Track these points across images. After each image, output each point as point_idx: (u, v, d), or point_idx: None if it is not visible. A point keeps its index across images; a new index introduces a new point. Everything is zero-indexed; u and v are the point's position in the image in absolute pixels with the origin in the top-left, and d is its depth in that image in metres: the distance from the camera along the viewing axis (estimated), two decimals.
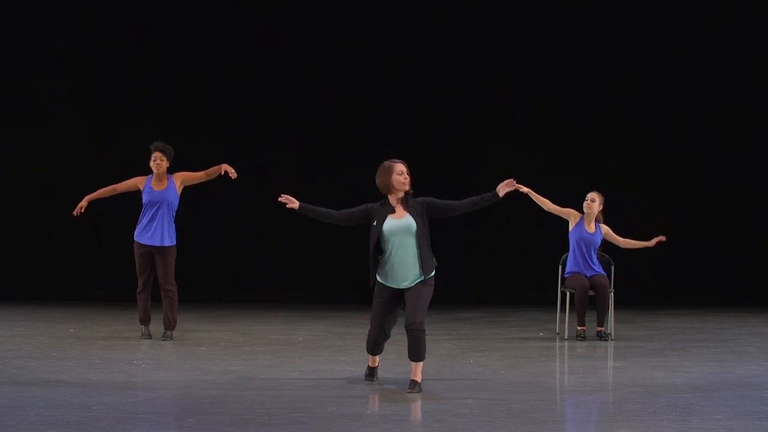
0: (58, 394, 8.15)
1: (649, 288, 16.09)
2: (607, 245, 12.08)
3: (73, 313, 13.99)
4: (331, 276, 15.95)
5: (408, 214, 8.55)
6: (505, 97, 16.12)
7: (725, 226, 16.21)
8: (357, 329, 12.68)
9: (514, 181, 8.73)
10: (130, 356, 10.23)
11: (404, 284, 8.58)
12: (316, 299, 15.67)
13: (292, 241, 16.07)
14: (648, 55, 16.09)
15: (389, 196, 8.60)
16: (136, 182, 11.48)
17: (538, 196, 11.83)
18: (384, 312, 8.69)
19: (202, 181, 11.54)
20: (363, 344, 11.36)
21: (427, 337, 8.67)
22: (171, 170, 11.53)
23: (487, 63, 16.15)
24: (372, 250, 8.56)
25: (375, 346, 8.88)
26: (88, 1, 16.11)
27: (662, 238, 12.03)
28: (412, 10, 16.13)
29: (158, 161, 11.35)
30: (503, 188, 8.66)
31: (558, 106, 16.16)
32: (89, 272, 15.83)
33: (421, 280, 8.58)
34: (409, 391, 8.44)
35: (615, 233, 12.02)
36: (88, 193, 11.50)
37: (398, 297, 8.66)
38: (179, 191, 11.41)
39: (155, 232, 11.32)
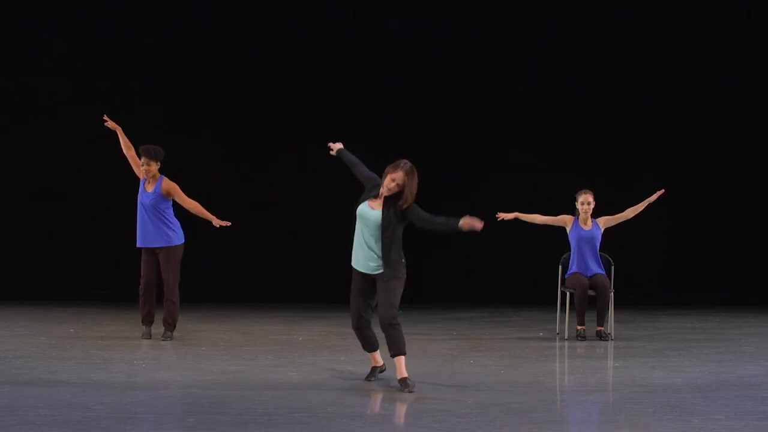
0: (58, 394, 8.15)
1: (649, 288, 16.09)
2: (608, 245, 12.07)
3: (73, 313, 13.99)
4: (331, 276, 15.93)
5: (381, 209, 8.49)
6: (505, 98, 16.12)
7: (725, 226, 16.21)
8: None
9: (480, 223, 8.30)
10: (130, 356, 10.23)
11: (368, 270, 8.55)
12: (316, 299, 15.67)
13: (292, 241, 16.08)
14: (648, 55, 16.09)
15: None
16: (139, 174, 11.48)
17: (526, 215, 11.92)
18: (358, 295, 8.65)
19: (188, 209, 11.38)
20: None
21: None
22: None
23: (487, 63, 16.16)
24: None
25: (360, 336, 8.80)
26: (88, 1, 16.11)
27: (661, 191, 12.04)
28: (412, 10, 16.13)
29: (145, 167, 11.29)
30: (467, 223, 8.28)
31: (558, 106, 16.16)
32: (89, 272, 15.84)
33: (382, 272, 8.54)
34: (406, 390, 8.39)
35: (612, 214, 12.05)
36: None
37: (371, 283, 8.60)
38: (166, 196, 11.34)
39: (142, 233, 11.33)
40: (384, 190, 8.49)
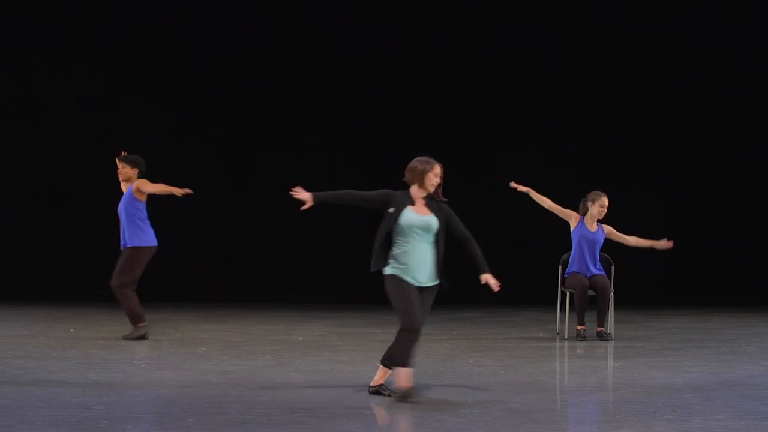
0: (58, 394, 8.15)
1: (649, 288, 16.08)
2: (607, 245, 12.06)
3: (73, 313, 13.99)
4: (331, 276, 15.95)
5: (431, 214, 8.27)
6: (506, 97, 16.11)
7: (725, 225, 16.20)
8: (357, 329, 12.68)
9: (497, 288, 8.37)
10: (130, 356, 10.23)
11: (422, 282, 8.25)
12: (316, 299, 15.67)
13: (291, 241, 16.07)
14: (649, 56, 16.09)
15: (412, 189, 8.32)
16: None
17: (537, 194, 11.91)
18: (417, 303, 8.21)
19: (160, 193, 11.42)
20: (364, 344, 11.40)
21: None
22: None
23: (488, 62, 16.15)
24: (383, 237, 8.22)
25: (415, 346, 8.24)
26: (90, 2, 16.10)
27: (670, 244, 11.94)
28: (413, 11, 16.12)
29: (119, 169, 11.56)
30: (489, 279, 8.35)
31: (558, 106, 16.15)
32: (89, 272, 15.83)
33: (434, 284, 8.32)
34: (411, 400, 8.13)
35: (619, 231, 12.01)
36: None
37: (418, 293, 8.29)
38: (136, 195, 11.42)
39: (121, 235, 11.46)
40: (429, 189, 8.27)
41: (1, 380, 8.73)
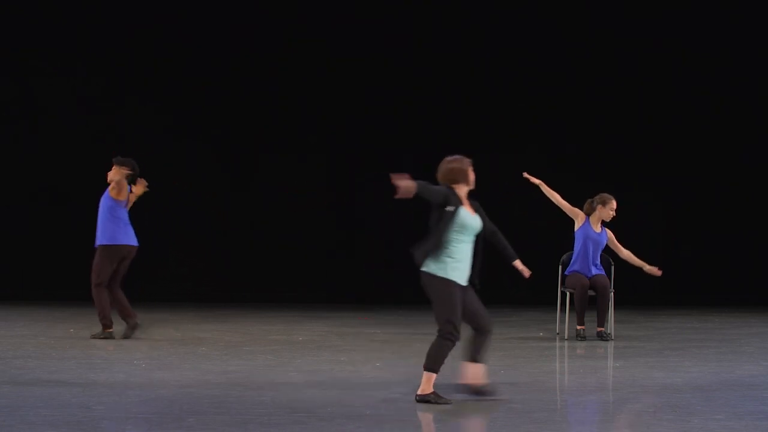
0: (58, 394, 8.15)
1: (649, 288, 16.06)
2: (607, 247, 12.07)
3: (73, 313, 13.98)
4: (331, 276, 15.94)
5: (477, 214, 8.30)
6: (506, 97, 16.11)
7: (725, 225, 16.20)
8: (357, 329, 12.68)
9: (528, 273, 8.68)
10: (130, 356, 10.23)
11: (463, 281, 8.23)
12: (316, 299, 15.67)
13: (291, 241, 16.07)
14: (649, 56, 16.09)
15: (457, 187, 8.23)
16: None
17: (548, 188, 11.91)
18: (461, 305, 8.21)
19: (123, 179, 11.49)
20: (364, 344, 11.40)
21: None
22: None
23: (488, 62, 16.14)
24: (442, 233, 8.06)
25: (453, 348, 8.19)
26: (90, 2, 16.10)
27: (659, 272, 11.91)
28: (413, 11, 16.12)
29: (110, 172, 11.60)
30: (521, 266, 8.67)
31: (558, 106, 16.15)
32: (89, 272, 15.80)
33: (468, 284, 8.27)
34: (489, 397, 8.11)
35: (617, 241, 12.01)
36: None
37: (461, 296, 8.26)
38: (111, 194, 11.50)
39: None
40: (472, 185, 8.30)
41: (1, 380, 8.73)
